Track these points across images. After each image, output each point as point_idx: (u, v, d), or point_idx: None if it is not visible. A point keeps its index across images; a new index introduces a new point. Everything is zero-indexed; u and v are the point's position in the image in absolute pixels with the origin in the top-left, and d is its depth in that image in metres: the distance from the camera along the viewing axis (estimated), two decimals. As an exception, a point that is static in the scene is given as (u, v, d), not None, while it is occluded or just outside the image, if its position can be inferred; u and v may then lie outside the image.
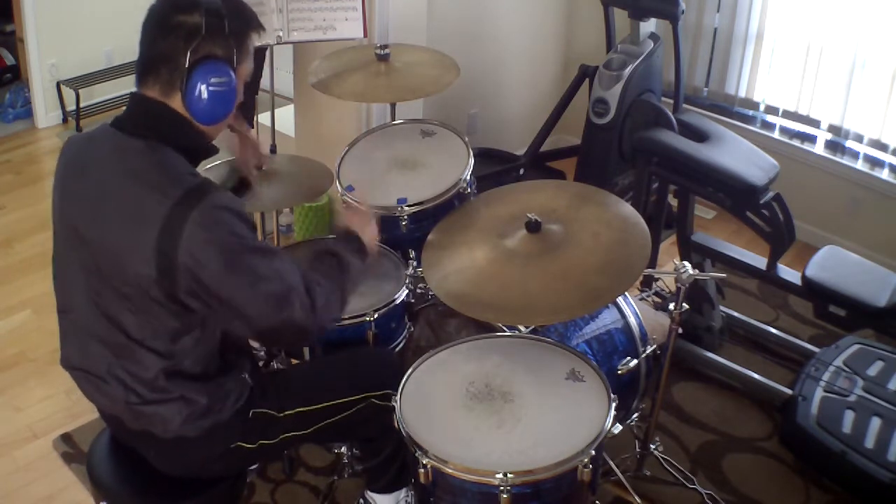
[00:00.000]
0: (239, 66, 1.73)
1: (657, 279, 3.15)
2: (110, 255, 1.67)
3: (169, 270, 1.60)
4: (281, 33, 2.92)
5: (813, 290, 2.71)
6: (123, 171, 1.66)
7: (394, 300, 2.28)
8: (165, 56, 1.66)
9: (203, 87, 1.67)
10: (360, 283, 1.95)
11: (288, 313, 1.68)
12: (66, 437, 2.78)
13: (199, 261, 1.60)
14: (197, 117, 1.71)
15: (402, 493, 2.16)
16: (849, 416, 2.56)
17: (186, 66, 1.65)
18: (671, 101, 3.62)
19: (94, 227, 1.68)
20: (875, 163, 3.61)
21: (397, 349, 2.35)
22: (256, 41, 1.80)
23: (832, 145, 3.73)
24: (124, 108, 1.75)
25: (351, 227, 1.99)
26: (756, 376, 2.92)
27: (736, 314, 3.24)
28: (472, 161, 2.50)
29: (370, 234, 2.02)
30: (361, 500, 2.23)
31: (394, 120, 2.89)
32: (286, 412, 1.90)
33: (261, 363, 2.44)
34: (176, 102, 1.70)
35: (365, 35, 3.00)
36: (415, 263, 2.35)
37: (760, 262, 2.93)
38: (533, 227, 2.06)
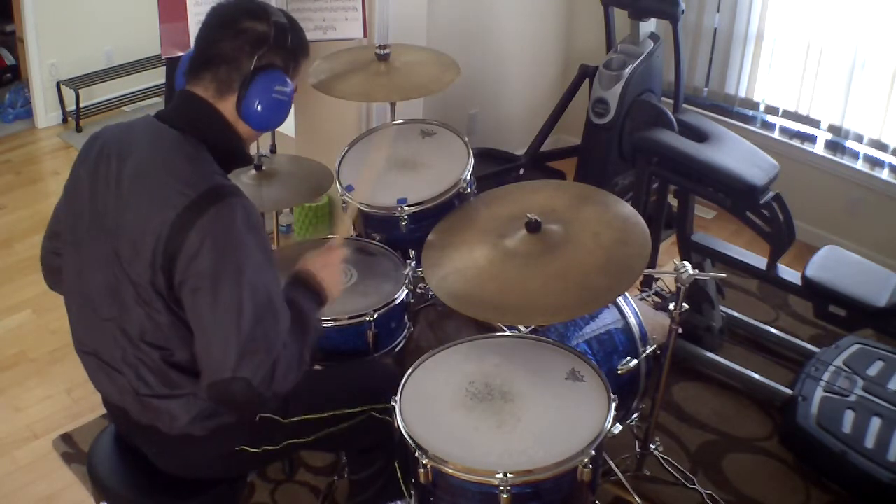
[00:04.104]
0: (292, 82, 1.78)
1: (657, 279, 3.15)
2: (129, 240, 1.65)
3: (172, 263, 1.59)
4: (281, 33, 2.91)
5: (813, 290, 2.71)
6: (154, 159, 1.66)
7: (394, 300, 2.27)
8: (228, 57, 1.69)
9: (264, 94, 1.70)
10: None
11: (247, 370, 1.57)
12: (66, 437, 2.78)
13: (196, 261, 1.58)
14: (250, 121, 1.72)
15: None
16: (849, 416, 2.57)
17: (251, 70, 1.68)
18: (671, 101, 3.62)
19: (120, 212, 1.67)
20: (875, 163, 3.61)
21: (397, 349, 2.35)
22: (304, 66, 1.82)
23: (832, 145, 3.73)
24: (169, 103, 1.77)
25: (313, 273, 1.85)
26: (756, 376, 2.92)
27: (736, 314, 3.24)
28: (472, 161, 2.50)
29: (334, 281, 1.88)
30: None
31: (394, 120, 2.89)
32: (291, 418, 1.89)
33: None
34: (227, 104, 1.71)
35: (365, 35, 3.00)
36: (415, 263, 2.35)
37: (760, 262, 2.93)
38: (533, 227, 2.05)
